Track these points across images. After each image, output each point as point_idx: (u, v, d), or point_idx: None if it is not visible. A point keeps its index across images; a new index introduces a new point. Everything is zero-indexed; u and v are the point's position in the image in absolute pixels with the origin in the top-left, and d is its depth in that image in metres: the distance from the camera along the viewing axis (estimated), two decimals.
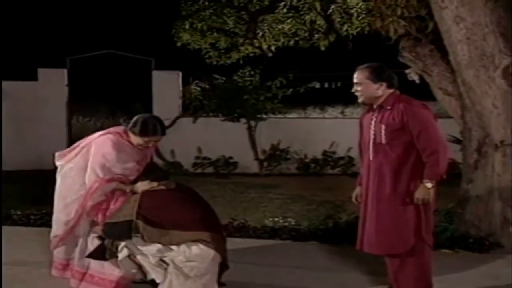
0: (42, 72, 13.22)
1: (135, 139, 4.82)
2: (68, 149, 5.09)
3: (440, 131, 4.53)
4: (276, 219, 7.56)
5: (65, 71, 13.42)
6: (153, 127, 4.80)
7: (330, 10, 8.94)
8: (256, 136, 12.73)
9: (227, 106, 12.67)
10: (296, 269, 5.64)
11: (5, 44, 15.92)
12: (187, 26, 10.00)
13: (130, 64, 13.82)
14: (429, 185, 4.46)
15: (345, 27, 9.12)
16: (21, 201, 8.51)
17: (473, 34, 6.15)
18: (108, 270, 4.77)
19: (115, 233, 4.61)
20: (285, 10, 9.61)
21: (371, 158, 4.63)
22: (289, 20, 9.72)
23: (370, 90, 4.62)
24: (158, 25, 12.75)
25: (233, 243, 6.26)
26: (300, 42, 9.90)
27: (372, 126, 4.62)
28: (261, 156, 12.73)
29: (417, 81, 7.37)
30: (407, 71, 7.37)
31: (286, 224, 7.34)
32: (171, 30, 10.20)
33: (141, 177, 4.80)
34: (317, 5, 8.76)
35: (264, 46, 10.20)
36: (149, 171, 4.88)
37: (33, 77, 13.22)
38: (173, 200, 4.70)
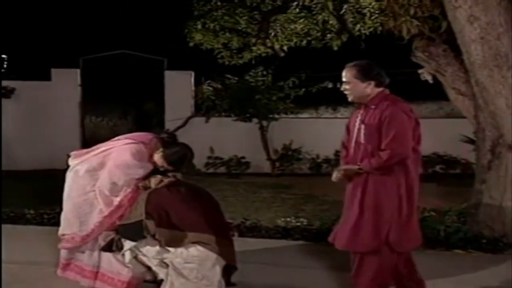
0: (55, 72, 13.30)
1: (159, 160, 4.85)
2: (85, 150, 5.09)
3: (407, 142, 4.39)
4: (288, 219, 7.56)
5: (78, 71, 13.50)
6: (182, 163, 4.91)
7: (343, 10, 8.91)
8: (268, 136, 12.74)
9: (239, 106, 12.69)
10: (308, 269, 5.63)
11: (18, 44, 16.01)
12: (199, 26, 10.01)
13: (142, 64, 13.87)
14: (360, 170, 4.45)
15: (358, 27, 9.10)
16: (34, 201, 8.54)
17: (487, 33, 6.11)
18: (117, 270, 4.77)
19: (129, 234, 4.63)
20: (297, 10, 9.59)
21: (352, 156, 4.62)
22: (301, 20, 9.70)
23: (358, 89, 4.57)
24: (170, 25, 12.75)
25: (245, 243, 6.28)
26: (313, 42, 9.88)
27: (356, 125, 4.60)
28: (273, 156, 12.74)
29: (430, 81, 7.35)
30: (420, 71, 7.35)
31: (298, 224, 7.34)
32: (183, 30, 10.21)
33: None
34: (330, 5, 8.73)
35: (277, 46, 10.19)
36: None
37: (47, 77, 13.30)
38: (177, 200, 4.70)
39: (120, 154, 4.81)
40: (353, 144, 4.60)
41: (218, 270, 4.58)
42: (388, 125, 4.37)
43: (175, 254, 4.53)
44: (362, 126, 4.51)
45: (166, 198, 4.66)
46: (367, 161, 4.42)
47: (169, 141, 4.92)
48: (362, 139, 4.51)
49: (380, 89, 4.57)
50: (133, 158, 4.77)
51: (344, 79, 4.62)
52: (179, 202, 4.66)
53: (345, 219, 4.60)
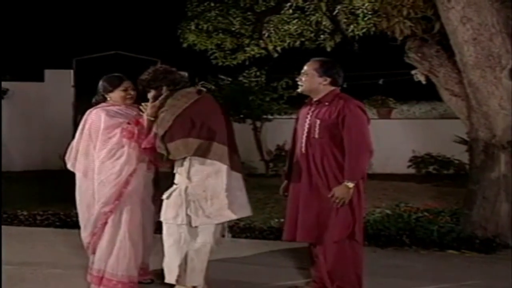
0: (48, 73, 13.27)
1: (116, 97, 5.05)
2: (69, 154, 5.04)
3: (368, 136, 4.53)
4: (282, 220, 7.53)
5: (72, 72, 13.46)
6: (114, 77, 5.16)
7: (336, 11, 8.92)
8: (262, 137, 12.73)
9: (233, 106, 12.65)
10: (302, 270, 5.62)
11: (12, 45, 15.97)
12: (193, 27, 10.00)
13: (136, 65, 13.83)
14: (350, 185, 4.45)
15: (351, 27, 9.10)
16: (27, 202, 8.52)
17: (480, 34, 6.14)
18: (114, 271, 4.69)
19: None
20: (291, 11, 9.60)
21: (303, 151, 4.62)
22: (295, 21, 9.70)
23: (312, 82, 4.65)
24: (164, 26, 12.76)
25: (239, 244, 6.27)
26: (306, 43, 9.88)
27: (307, 120, 4.64)
28: (267, 157, 12.72)
29: (424, 82, 7.37)
30: (413, 71, 7.37)
31: None
32: (177, 31, 10.21)
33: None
34: (323, 6, 8.75)
35: (270, 47, 10.19)
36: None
37: (40, 78, 13.27)
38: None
39: (95, 116, 5.00)
40: (303, 140, 4.63)
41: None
42: (351, 122, 4.46)
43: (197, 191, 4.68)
44: (317, 121, 4.56)
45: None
46: (350, 174, 4.44)
47: None
48: (316, 134, 4.54)
49: (334, 88, 4.64)
50: (106, 111, 4.96)
51: (303, 70, 4.74)
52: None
53: (312, 212, 4.58)
